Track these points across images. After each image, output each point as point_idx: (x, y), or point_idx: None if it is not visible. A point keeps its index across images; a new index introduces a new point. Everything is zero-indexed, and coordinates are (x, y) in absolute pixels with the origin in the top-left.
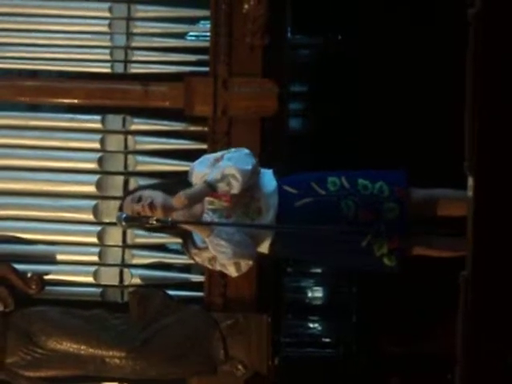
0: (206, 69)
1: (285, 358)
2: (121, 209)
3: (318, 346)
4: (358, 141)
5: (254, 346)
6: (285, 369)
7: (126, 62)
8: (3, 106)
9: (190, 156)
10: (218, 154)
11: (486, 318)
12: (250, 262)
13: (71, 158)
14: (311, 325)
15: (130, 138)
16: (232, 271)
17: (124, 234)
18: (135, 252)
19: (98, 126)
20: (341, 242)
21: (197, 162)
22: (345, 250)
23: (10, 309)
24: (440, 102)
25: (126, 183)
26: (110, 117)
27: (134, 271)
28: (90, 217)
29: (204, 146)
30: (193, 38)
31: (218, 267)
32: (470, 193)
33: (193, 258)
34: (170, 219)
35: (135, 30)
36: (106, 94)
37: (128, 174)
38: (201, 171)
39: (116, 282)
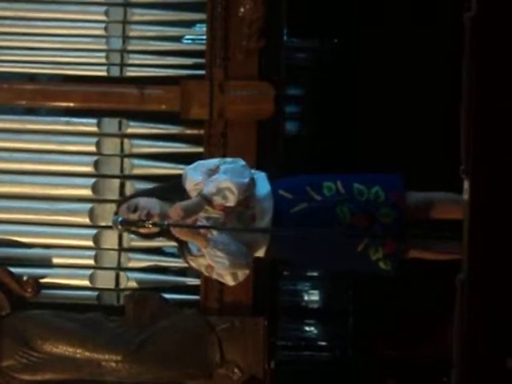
0: (202, 72)
1: (281, 362)
2: (117, 212)
3: (314, 349)
4: (354, 144)
5: (250, 349)
6: (281, 372)
7: (122, 65)
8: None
9: (187, 159)
10: (213, 162)
11: (483, 321)
12: (247, 271)
13: (67, 161)
14: (307, 328)
15: (126, 141)
16: (229, 280)
17: (120, 237)
18: (131, 255)
19: (94, 129)
20: (336, 246)
21: (191, 167)
22: (340, 255)
23: (6, 312)
24: (436, 105)
25: (122, 186)
26: (106, 120)
27: (130, 274)
28: (85, 220)
29: (200, 150)
30: (189, 41)
31: (214, 276)
32: (465, 196)
33: (188, 263)
34: (166, 222)
35: (131, 34)
36: (102, 98)
37: (124, 177)
38: (195, 179)
39: (112, 285)
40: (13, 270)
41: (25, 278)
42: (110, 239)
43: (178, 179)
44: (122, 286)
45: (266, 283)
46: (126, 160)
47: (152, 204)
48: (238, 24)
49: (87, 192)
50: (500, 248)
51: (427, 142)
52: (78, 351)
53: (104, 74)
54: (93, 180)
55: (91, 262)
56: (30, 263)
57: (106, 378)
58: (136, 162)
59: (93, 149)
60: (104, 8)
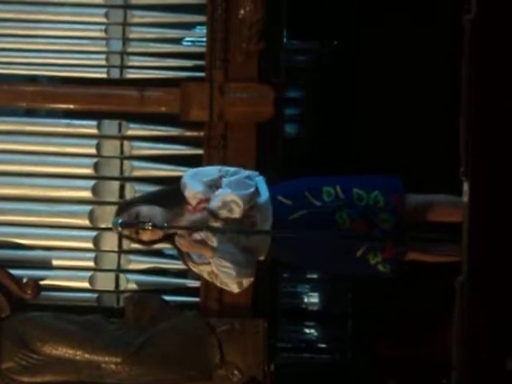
0: (202, 74)
1: (281, 364)
2: (117, 214)
3: (313, 351)
4: (354, 146)
5: (250, 351)
6: (281, 374)
7: (122, 67)
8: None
9: (186, 161)
10: (213, 173)
11: (482, 323)
12: (252, 279)
13: (67, 163)
14: (307, 330)
15: (125, 143)
16: (234, 288)
17: (120, 239)
18: (131, 257)
19: (94, 131)
20: (335, 251)
21: (189, 174)
22: (339, 259)
23: (6, 314)
24: (436, 107)
25: (121, 188)
26: (106, 122)
27: (130, 276)
28: (85, 222)
29: (200, 152)
30: (189, 43)
31: (218, 283)
32: (465, 198)
33: (189, 267)
34: (165, 224)
35: (131, 36)
36: (102, 100)
37: (124, 179)
38: (195, 189)
39: (112, 287)
40: (13, 271)
41: (25, 280)
42: (110, 241)
43: (176, 184)
44: (122, 287)
45: (266, 285)
46: (125, 162)
47: (153, 212)
48: (237, 26)
49: (87, 194)
50: (499, 250)
51: (427, 144)
52: (78, 353)
53: (104, 76)
54: (93, 182)
55: (91, 263)
56: (30, 265)
57: (106, 380)
58: (136, 164)
59: (93, 151)
60: (104, 10)
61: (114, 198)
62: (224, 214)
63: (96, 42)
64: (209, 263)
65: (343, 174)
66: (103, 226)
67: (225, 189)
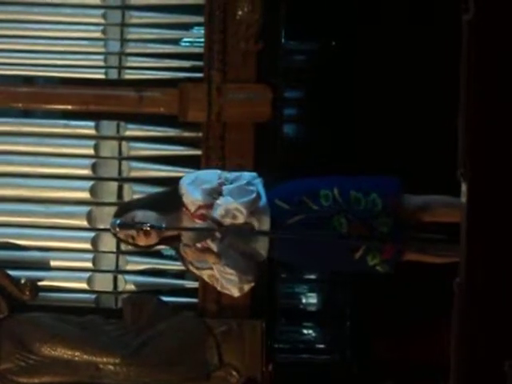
0: (200, 75)
1: (279, 364)
2: (115, 216)
3: (312, 352)
4: (352, 146)
5: (248, 352)
6: (279, 375)
7: (120, 68)
8: None
9: (184, 162)
10: (213, 180)
11: (480, 324)
12: (253, 284)
13: (65, 164)
14: (305, 331)
15: (123, 144)
16: (235, 293)
17: (118, 239)
18: (129, 258)
19: (92, 132)
20: (333, 254)
21: (188, 181)
22: (338, 260)
23: (4, 315)
24: (434, 108)
25: (119, 189)
26: (104, 123)
27: (128, 277)
28: (83, 223)
29: (198, 152)
30: (187, 44)
31: (219, 287)
32: (463, 199)
33: (188, 269)
34: (163, 225)
35: (129, 36)
36: (100, 100)
37: (122, 180)
38: (193, 196)
39: (110, 288)
40: (11, 272)
41: (23, 281)
42: (108, 242)
43: (174, 188)
44: (120, 288)
45: (264, 286)
46: (123, 163)
47: (149, 218)
48: (235, 27)
49: (85, 195)
50: (497, 251)
51: (425, 144)
52: (76, 354)
53: (102, 76)
54: (91, 183)
55: (89, 264)
56: (28, 266)
57: (104, 380)
58: (134, 164)
59: (91, 151)
60: (102, 11)
61: (112, 198)
62: (228, 221)
63: (94, 43)
64: (210, 268)
65: (340, 175)
66: (101, 226)
67: (226, 197)
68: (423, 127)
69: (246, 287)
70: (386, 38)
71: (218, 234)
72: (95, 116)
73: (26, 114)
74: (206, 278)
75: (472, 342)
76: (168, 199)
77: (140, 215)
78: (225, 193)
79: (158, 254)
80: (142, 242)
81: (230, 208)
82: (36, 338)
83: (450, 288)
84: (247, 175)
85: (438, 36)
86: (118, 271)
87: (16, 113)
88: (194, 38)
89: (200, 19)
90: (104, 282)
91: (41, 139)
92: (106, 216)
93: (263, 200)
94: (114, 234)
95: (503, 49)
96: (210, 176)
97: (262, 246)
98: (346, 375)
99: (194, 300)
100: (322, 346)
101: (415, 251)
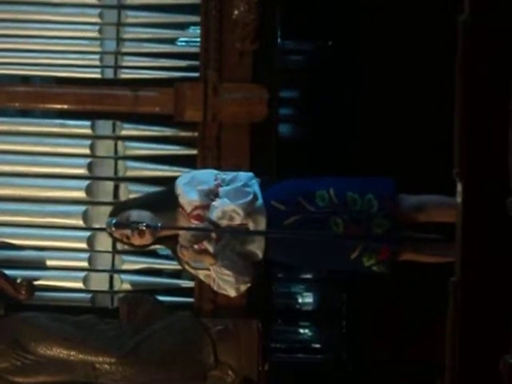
0: (196, 74)
1: (275, 364)
2: (110, 216)
3: (308, 351)
4: (348, 146)
5: (244, 351)
6: (275, 374)
7: (116, 67)
8: None
9: (180, 161)
10: (209, 181)
11: (475, 323)
12: (249, 284)
13: (61, 163)
14: (301, 330)
15: (119, 143)
16: (231, 293)
17: (113, 239)
18: (125, 257)
19: (88, 131)
20: (330, 253)
21: (183, 180)
22: (333, 260)
23: (0, 314)
24: (430, 108)
25: (116, 188)
26: (100, 122)
27: (124, 277)
28: (79, 222)
29: (194, 152)
30: (183, 43)
31: (215, 287)
32: (458, 199)
33: (184, 268)
34: (159, 225)
35: (125, 36)
36: (96, 100)
37: (118, 179)
38: (189, 197)
39: (106, 287)
40: (7, 272)
41: (19, 281)
42: (104, 241)
43: (169, 188)
44: (116, 288)
45: (260, 286)
46: (119, 162)
47: (144, 218)
48: (231, 26)
49: (81, 194)
50: (492, 250)
51: (421, 144)
52: (72, 353)
53: (98, 76)
54: (87, 182)
55: (85, 264)
56: (24, 265)
57: (100, 380)
58: (130, 164)
59: (87, 151)
60: (98, 10)
61: (108, 198)
62: (225, 222)
63: (90, 42)
64: (207, 268)
65: (336, 176)
66: (97, 226)
67: (223, 199)
68: (419, 127)
69: (243, 288)
70: (381, 38)
71: (213, 235)
72: (91, 115)
73: (23, 113)
74: (202, 277)
75: (467, 341)
76: (164, 199)
77: (135, 215)
78: (221, 194)
79: (154, 254)
80: (137, 241)
81: (227, 210)
82: (32, 338)
83: (446, 287)
84: (244, 176)
85: (434, 37)
86: (113, 270)
87: (12, 112)
88: (190, 38)
89: (196, 19)
90: (100, 282)
91: (37, 138)
92: (101, 215)
93: (259, 201)
94: (110, 234)
95: (498, 49)
96: (207, 176)
97: (258, 247)
98: (342, 375)
99: (190, 299)
100: (317, 345)
101: (411, 251)
